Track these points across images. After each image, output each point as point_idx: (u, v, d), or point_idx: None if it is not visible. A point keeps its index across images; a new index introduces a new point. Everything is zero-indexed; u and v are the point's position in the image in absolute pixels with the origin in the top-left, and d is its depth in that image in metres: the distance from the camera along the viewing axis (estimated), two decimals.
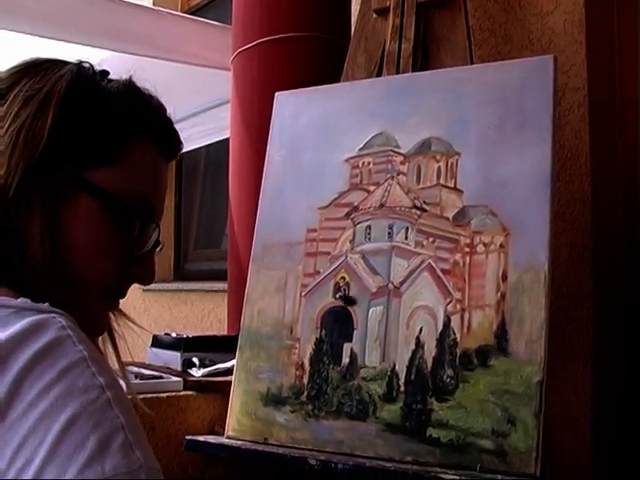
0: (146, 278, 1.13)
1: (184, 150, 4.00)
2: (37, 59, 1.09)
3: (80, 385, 0.80)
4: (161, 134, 1.13)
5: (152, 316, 5.26)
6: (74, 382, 0.80)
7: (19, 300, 0.90)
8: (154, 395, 2.09)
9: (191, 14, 5.05)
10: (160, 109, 1.14)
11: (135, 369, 2.35)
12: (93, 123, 1.04)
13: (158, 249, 1.14)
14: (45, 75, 1.04)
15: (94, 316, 1.07)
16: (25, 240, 0.98)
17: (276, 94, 2.26)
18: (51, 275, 0.98)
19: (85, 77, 1.07)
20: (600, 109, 2.26)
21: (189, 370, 2.32)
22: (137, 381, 2.15)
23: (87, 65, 1.09)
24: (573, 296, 2.20)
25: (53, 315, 0.87)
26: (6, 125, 1.00)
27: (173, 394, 2.15)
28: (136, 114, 1.09)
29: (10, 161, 0.98)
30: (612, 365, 2.17)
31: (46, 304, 0.90)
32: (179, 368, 2.35)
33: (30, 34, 3.29)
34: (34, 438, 0.76)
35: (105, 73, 1.11)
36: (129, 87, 1.10)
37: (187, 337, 2.47)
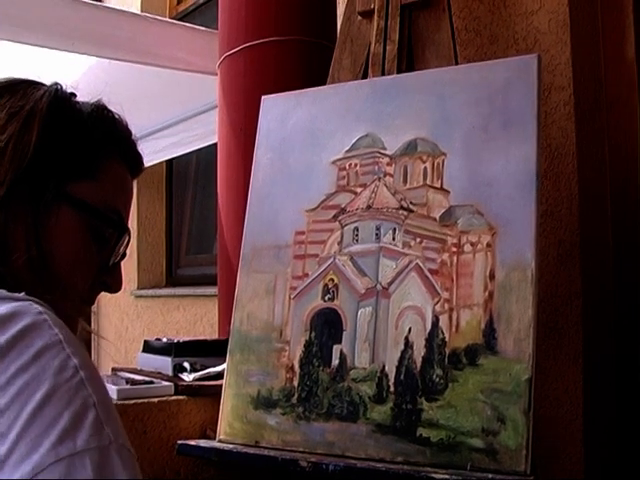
0: (116, 286, 1.22)
1: (174, 155, 4.01)
2: (14, 79, 1.16)
3: (55, 365, 0.84)
4: (129, 153, 1.23)
5: (144, 322, 5.26)
6: (49, 362, 0.84)
7: None
8: (145, 400, 2.09)
9: (179, 20, 5.06)
10: (128, 131, 1.24)
11: (126, 374, 2.35)
12: (73, 140, 1.12)
13: (124, 259, 1.23)
14: (24, 94, 1.12)
15: (68, 321, 1.10)
16: (8, 247, 1.03)
17: (263, 98, 2.26)
18: (33, 281, 1.03)
19: (62, 98, 1.16)
20: (586, 107, 2.27)
21: (180, 375, 2.32)
22: (128, 386, 2.15)
23: (60, 86, 1.18)
24: (562, 294, 2.21)
25: (29, 302, 0.91)
26: None
27: (164, 399, 2.15)
28: (109, 134, 1.19)
29: None
30: (602, 362, 2.18)
31: (22, 294, 0.93)
32: (170, 373, 2.35)
33: (15, 42, 3.29)
34: (10, 413, 0.79)
35: (74, 95, 1.20)
36: (102, 109, 1.20)
37: (178, 342, 2.47)
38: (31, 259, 1.03)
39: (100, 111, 1.19)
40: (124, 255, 1.23)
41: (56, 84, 1.17)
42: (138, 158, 1.26)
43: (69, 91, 1.19)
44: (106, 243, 1.16)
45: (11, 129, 1.07)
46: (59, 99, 1.15)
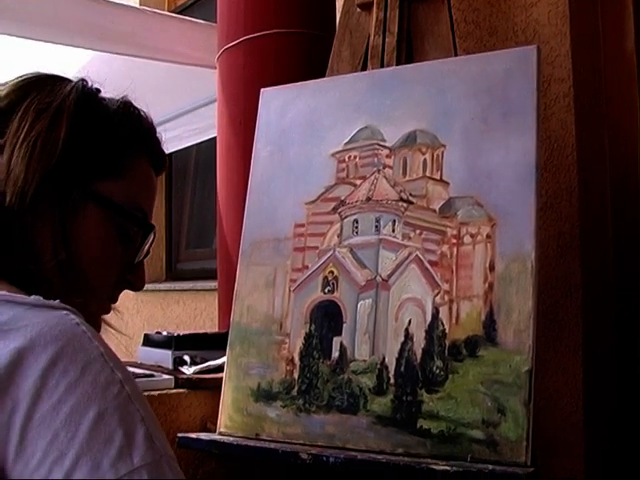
0: (139, 284, 1.23)
1: (173, 149, 4.00)
2: (41, 74, 1.16)
3: (102, 381, 0.86)
4: (154, 151, 1.22)
5: (145, 316, 5.27)
6: (96, 378, 0.85)
7: (32, 297, 0.93)
8: (146, 393, 2.09)
9: (178, 13, 5.06)
10: (153, 128, 1.24)
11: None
12: (101, 138, 1.12)
13: (147, 257, 1.23)
14: (52, 91, 1.11)
15: (93, 320, 1.11)
16: (37, 247, 1.04)
17: (262, 90, 2.26)
18: (62, 283, 1.04)
19: (89, 94, 1.15)
20: (586, 99, 2.27)
21: (180, 368, 2.32)
22: None
23: (86, 82, 1.17)
24: (562, 286, 2.21)
25: (66, 312, 0.92)
26: (22, 136, 1.05)
27: (165, 392, 2.15)
28: (136, 131, 1.18)
29: (27, 170, 1.03)
30: (602, 354, 2.18)
31: (57, 301, 0.93)
32: (170, 366, 2.35)
33: (13, 35, 3.29)
34: (66, 432, 0.81)
35: (99, 90, 1.19)
36: (128, 106, 1.19)
37: (178, 335, 2.47)
38: (60, 262, 1.04)
39: (127, 108, 1.19)
40: (148, 253, 1.23)
41: (82, 80, 1.16)
42: (163, 156, 1.26)
43: (95, 87, 1.18)
44: (131, 241, 1.17)
45: (39, 126, 1.06)
46: (86, 95, 1.14)
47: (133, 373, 2.25)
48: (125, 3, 3.89)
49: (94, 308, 1.13)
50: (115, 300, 1.22)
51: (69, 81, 1.15)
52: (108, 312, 1.21)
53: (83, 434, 0.81)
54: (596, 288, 2.20)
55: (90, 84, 1.17)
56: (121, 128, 1.15)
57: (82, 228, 1.08)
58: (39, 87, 1.11)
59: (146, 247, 1.21)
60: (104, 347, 0.90)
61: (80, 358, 0.86)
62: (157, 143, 1.24)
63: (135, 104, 1.21)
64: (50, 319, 0.89)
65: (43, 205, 1.04)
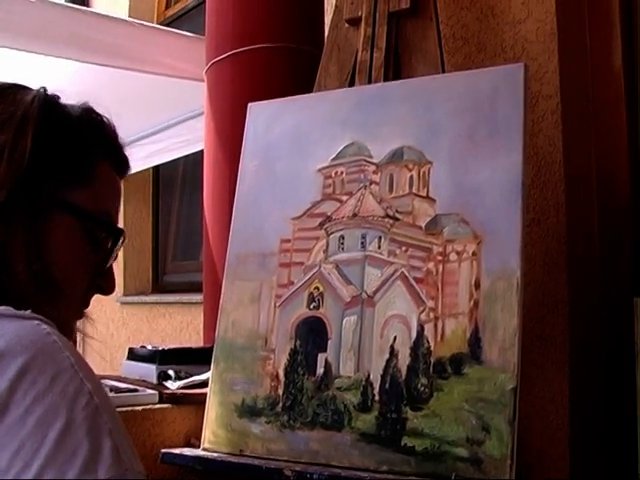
0: (110, 288, 1.23)
1: (161, 161, 4.00)
2: (1, 84, 1.16)
3: (71, 391, 0.85)
4: (117, 155, 1.24)
5: (130, 329, 5.26)
6: (65, 389, 0.85)
7: (2, 308, 0.93)
8: (129, 408, 2.09)
9: (167, 25, 5.07)
10: (115, 132, 1.25)
11: (110, 382, 2.35)
12: (67, 145, 1.12)
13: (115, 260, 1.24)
14: (14, 100, 1.11)
15: (67, 327, 1.11)
16: (9, 258, 1.04)
17: (249, 105, 2.27)
18: (36, 291, 1.04)
19: (51, 102, 1.15)
20: (573, 116, 2.28)
21: (165, 383, 2.32)
22: (112, 394, 2.15)
23: (46, 89, 1.17)
24: (549, 302, 2.22)
25: (37, 322, 0.92)
26: None
27: (148, 407, 2.15)
28: (99, 137, 1.19)
29: None
30: (589, 372, 2.18)
31: (28, 311, 0.94)
32: (155, 381, 2.35)
33: None
34: (32, 443, 0.81)
35: (59, 97, 1.19)
36: (90, 112, 1.20)
37: (163, 349, 2.47)
38: (34, 272, 1.04)
39: (89, 114, 1.20)
40: (116, 257, 1.24)
41: (43, 88, 1.17)
42: (125, 158, 1.27)
43: (55, 94, 1.18)
44: (101, 246, 1.17)
45: (4, 137, 1.06)
46: (48, 103, 1.14)
47: (117, 387, 2.25)
48: (113, 15, 3.90)
49: (68, 316, 1.14)
50: (87, 305, 1.22)
51: (29, 89, 1.15)
52: (81, 317, 1.22)
53: (49, 445, 0.81)
54: (583, 304, 2.20)
55: (49, 91, 1.17)
56: (85, 134, 1.16)
57: (53, 237, 1.08)
58: (0, 97, 1.12)
59: (116, 252, 1.22)
60: (75, 357, 0.90)
61: (50, 368, 0.86)
62: (120, 147, 1.25)
63: (96, 110, 1.22)
64: (20, 329, 0.89)
65: (13, 216, 1.04)
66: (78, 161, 1.13)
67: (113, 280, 1.24)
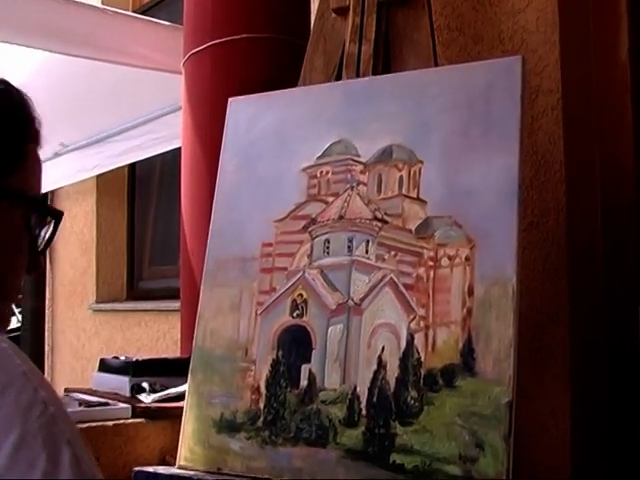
0: (39, 267, 1.22)
1: (137, 159, 3.95)
2: None
3: (24, 401, 0.86)
4: (34, 128, 1.21)
5: (103, 339, 5.25)
6: (18, 398, 0.86)
7: None
8: (100, 423, 2.10)
9: (142, 13, 5.06)
10: (31, 104, 1.22)
11: (80, 396, 2.36)
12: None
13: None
14: None
15: (5, 319, 1.13)
16: None
17: (229, 100, 2.29)
18: None
19: None
20: (575, 112, 2.27)
21: (138, 396, 2.33)
22: (81, 408, 2.15)
23: None
24: (548, 311, 2.23)
25: None
26: None
27: (121, 422, 2.15)
28: (23, 117, 1.19)
29: None
30: (592, 384, 2.17)
31: None
32: (127, 394, 2.36)
33: None
34: None
35: None
36: (9, 92, 1.19)
37: (136, 360, 2.48)
38: None
39: (9, 95, 1.19)
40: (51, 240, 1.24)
41: None
42: (39, 128, 1.24)
43: None
44: (36, 230, 1.18)
45: None
46: None
47: (87, 401, 2.26)
48: (86, 2, 3.89)
49: (7, 307, 1.15)
50: (20, 291, 1.23)
51: None
52: (17, 303, 1.22)
53: (4, 459, 0.81)
54: (585, 313, 2.20)
55: None
56: (14, 117, 1.17)
57: None
58: None
59: (51, 233, 1.22)
60: (27, 365, 0.90)
61: (0, 378, 0.87)
62: (39, 124, 1.23)
63: (11, 84, 1.21)
64: None
65: None
66: (10, 146, 1.14)
67: (40, 260, 1.23)
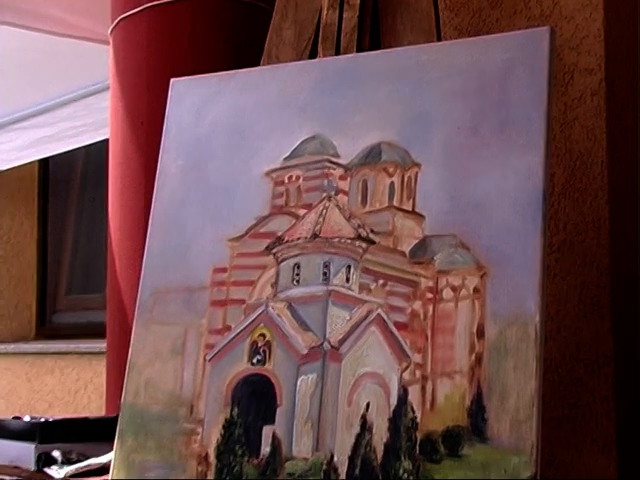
0: None
1: (49, 154, 4.00)
2: None
3: None
4: None
5: (3, 390, 5.22)
6: None
7: None
8: None
9: None
10: None
11: None
12: None
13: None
14: None
15: None
16: None
17: (172, 81, 2.30)
18: None
19: None
20: (622, 99, 2.30)
21: (46, 470, 2.31)
22: None
23: None
24: (586, 357, 2.25)
25: None
26: None
27: None
28: None
29: None
30: None
31: None
32: (33, 467, 2.35)
33: None
34: None
35: None
36: None
37: (46, 421, 2.45)
38: None
39: None
40: None
41: None
42: None
43: None
44: None
45: None
46: None
47: None
48: None
49: None
50: None
51: None
52: None
53: None
54: (633, 361, 2.24)
55: None
56: None
57: None
58: None
59: None
60: None
61: None
62: None
63: None
64: None
65: None
66: None
67: None
